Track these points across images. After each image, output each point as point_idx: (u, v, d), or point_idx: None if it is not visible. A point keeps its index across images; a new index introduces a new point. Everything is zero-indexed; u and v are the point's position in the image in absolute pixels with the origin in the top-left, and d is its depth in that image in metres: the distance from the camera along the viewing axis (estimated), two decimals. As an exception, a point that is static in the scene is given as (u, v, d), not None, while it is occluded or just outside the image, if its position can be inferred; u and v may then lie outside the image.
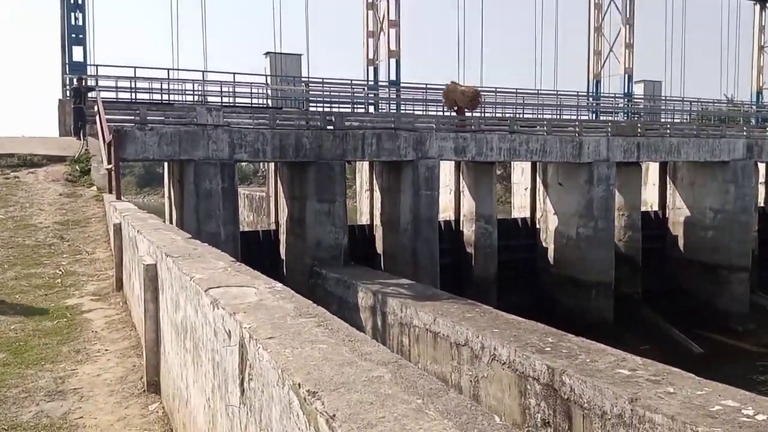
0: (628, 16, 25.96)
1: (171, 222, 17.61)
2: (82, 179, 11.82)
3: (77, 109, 15.39)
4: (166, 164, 19.90)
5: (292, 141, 16.95)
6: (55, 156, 14.50)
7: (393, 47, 21.53)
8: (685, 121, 26.36)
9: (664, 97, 27.67)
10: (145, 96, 18.58)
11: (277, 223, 20.57)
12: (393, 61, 21.59)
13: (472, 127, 19.16)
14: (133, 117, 16.04)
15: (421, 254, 18.53)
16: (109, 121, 13.36)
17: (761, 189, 28.55)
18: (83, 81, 16.04)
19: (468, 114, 21.10)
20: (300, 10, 22.40)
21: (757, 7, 31.95)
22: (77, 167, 12.33)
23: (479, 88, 22.39)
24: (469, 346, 10.57)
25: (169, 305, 3.61)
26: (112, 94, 18.29)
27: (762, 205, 28.58)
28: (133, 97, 18.29)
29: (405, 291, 13.91)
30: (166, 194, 20.07)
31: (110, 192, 10.32)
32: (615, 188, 21.73)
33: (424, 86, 21.41)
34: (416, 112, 21.05)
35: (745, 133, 25.14)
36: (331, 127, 17.68)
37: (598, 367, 8.55)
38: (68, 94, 16.34)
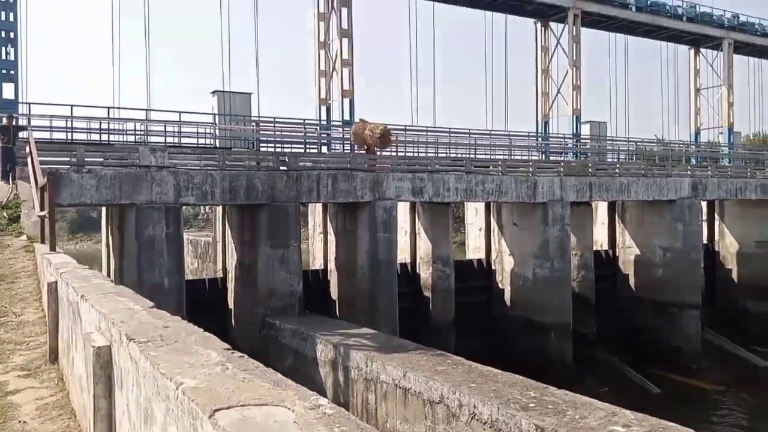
0: (574, 58, 26.49)
1: (109, 272, 16.25)
2: (10, 227, 10.54)
3: (5, 149, 14.05)
4: (104, 209, 18.54)
5: (243, 183, 16.02)
6: (-22, 201, 13.09)
7: (346, 87, 21.05)
8: (631, 161, 26.82)
9: (610, 138, 28.21)
10: (83, 136, 17.32)
11: (224, 270, 19.37)
12: (347, 100, 21.07)
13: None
14: (69, 159, 14.85)
15: (380, 299, 17.72)
16: (43, 163, 12.17)
17: (704, 227, 29.26)
18: (13, 119, 14.73)
19: (379, 153, 19.91)
20: (249, 47, 21.72)
21: (692, 51, 33.42)
22: (4, 214, 11.02)
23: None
24: (444, 404, 9.76)
25: (132, 410, 2.64)
26: (47, 134, 16.98)
27: (705, 242, 29.25)
28: (70, 137, 17.01)
29: (368, 342, 13.04)
30: (104, 242, 18.62)
31: (43, 242, 9.15)
32: (570, 228, 21.65)
33: (378, 126, 20.88)
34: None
35: (689, 173, 25.76)
36: (285, 168, 16.87)
37: (589, 424, 7.92)
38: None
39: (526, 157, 24.47)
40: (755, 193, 27.73)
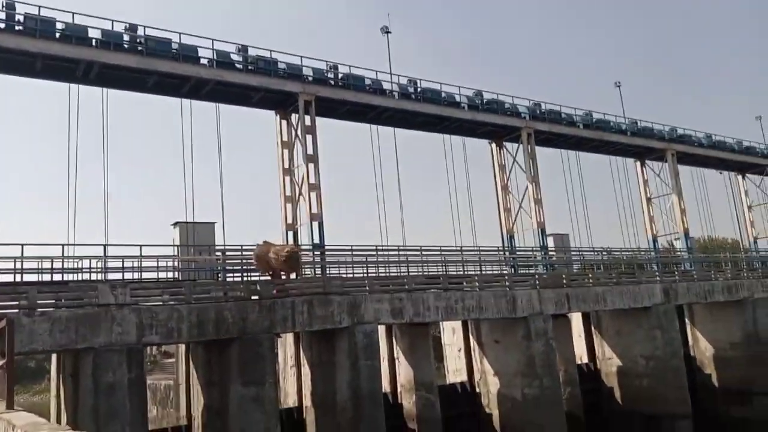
0: (532, 174, 27.05)
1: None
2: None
3: (-55, 295, 12.58)
4: (53, 357, 16.75)
5: (212, 315, 14.81)
6: None
7: (315, 210, 20.56)
8: (599, 271, 26.78)
9: (576, 249, 28.33)
10: (33, 276, 15.91)
11: (189, 417, 17.48)
12: (315, 224, 20.49)
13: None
14: (18, 302, 13.45)
15: (366, 438, 16.08)
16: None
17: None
18: (-44, 261, 13.39)
19: (284, 276, 17.60)
20: (210, 177, 21.23)
21: (638, 164, 34.90)
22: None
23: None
24: None
25: None
26: (-9, 276, 15.51)
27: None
28: (19, 278, 15.59)
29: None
30: (53, 393, 16.65)
31: (-10, 398, 7.71)
32: (554, 342, 20.84)
33: (349, 248, 20.27)
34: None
35: (658, 278, 25.77)
36: (257, 297, 15.78)
37: None
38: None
39: (501, 272, 24.05)
40: (722, 295, 27.83)
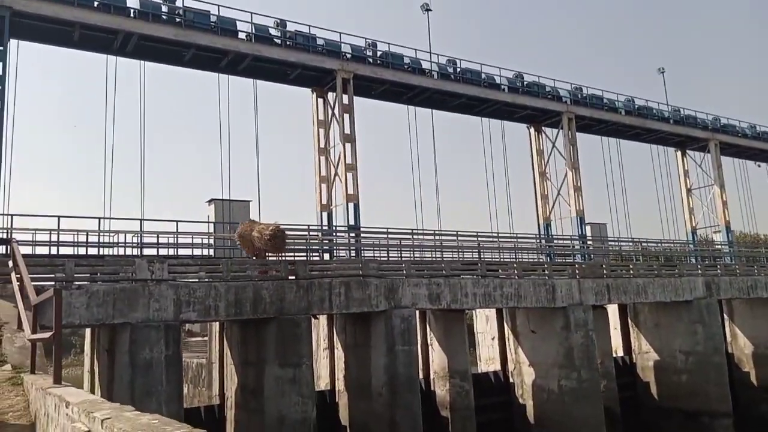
0: (572, 160, 26.23)
1: (95, 403, 14.06)
2: (-12, 355, 8.71)
3: (-16, 265, 12.34)
4: (87, 331, 16.58)
5: (250, 294, 14.42)
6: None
7: (351, 191, 20.06)
8: (638, 262, 25.97)
9: (614, 239, 27.49)
10: (69, 250, 15.68)
11: (222, 396, 17.24)
12: (351, 204, 20.00)
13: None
14: (55, 274, 13.20)
15: (402, 425, 15.65)
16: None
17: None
18: (-5, 231, 13.16)
19: (273, 257, 16.75)
20: (245, 154, 20.81)
21: (679, 153, 33.82)
22: (-18, 338, 9.20)
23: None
24: None
25: None
26: (28, 249, 15.31)
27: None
28: (56, 251, 15.38)
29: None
30: (87, 367, 16.51)
31: (33, 371, 7.38)
32: (594, 334, 20.18)
33: (385, 230, 19.76)
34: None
35: (700, 271, 24.91)
36: (294, 277, 15.36)
37: None
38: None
39: (535, 260, 23.40)
40: (766, 291, 26.87)
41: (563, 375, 19.85)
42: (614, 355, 24.95)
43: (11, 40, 17.30)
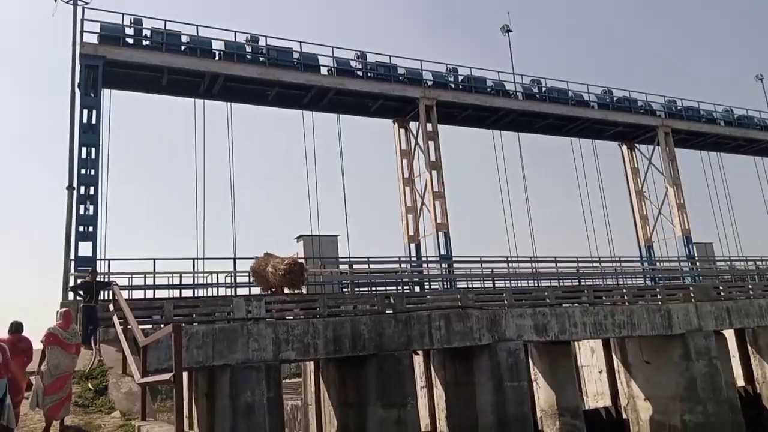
0: (673, 176, 24.52)
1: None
2: (97, 401, 8.34)
3: (87, 309, 12.24)
4: (185, 375, 16.32)
5: (348, 331, 13.76)
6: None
7: (440, 219, 19.28)
8: (753, 282, 23.71)
9: (727, 257, 25.34)
10: (164, 292, 15.59)
11: (321, 439, 16.52)
12: (441, 233, 19.19)
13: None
14: (151, 317, 13.04)
15: (516, 467, 14.40)
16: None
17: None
18: (96, 275, 13.13)
19: (288, 291, 15.38)
20: (331, 189, 20.46)
21: (788, 163, 31.27)
22: (89, 385, 8.86)
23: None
24: None
25: None
26: (125, 293, 15.30)
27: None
28: (152, 294, 15.32)
29: None
30: (184, 412, 16.20)
31: (144, 417, 6.89)
32: (717, 362, 18.29)
33: (478, 259, 18.81)
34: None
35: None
36: (391, 311, 14.62)
37: None
38: (73, 293, 13.34)
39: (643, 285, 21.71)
40: None
41: (686, 409, 17.99)
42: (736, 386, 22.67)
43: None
